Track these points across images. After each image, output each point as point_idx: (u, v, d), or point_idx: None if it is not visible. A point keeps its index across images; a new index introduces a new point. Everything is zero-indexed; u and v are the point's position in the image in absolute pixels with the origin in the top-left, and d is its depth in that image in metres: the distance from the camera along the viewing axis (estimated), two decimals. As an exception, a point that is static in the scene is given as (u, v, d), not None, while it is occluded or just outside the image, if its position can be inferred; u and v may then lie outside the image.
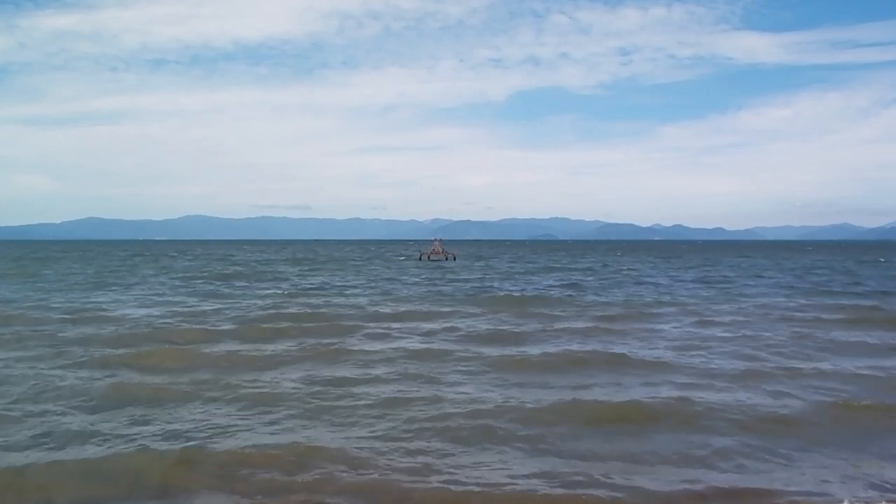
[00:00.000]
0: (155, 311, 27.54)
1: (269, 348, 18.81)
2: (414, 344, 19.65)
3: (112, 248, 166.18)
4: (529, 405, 12.59)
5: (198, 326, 22.99)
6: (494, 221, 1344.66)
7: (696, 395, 13.45)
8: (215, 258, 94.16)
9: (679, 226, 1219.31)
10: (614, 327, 23.31)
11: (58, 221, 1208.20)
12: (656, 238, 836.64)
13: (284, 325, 23.58)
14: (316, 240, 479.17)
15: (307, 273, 59.12)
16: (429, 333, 21.84)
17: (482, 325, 23.72)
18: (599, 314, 27.09)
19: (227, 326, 23.15)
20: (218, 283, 45.12)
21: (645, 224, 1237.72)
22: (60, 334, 20.92)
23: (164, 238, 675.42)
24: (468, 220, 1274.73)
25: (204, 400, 13.11)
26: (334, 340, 20.16)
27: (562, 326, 23.46)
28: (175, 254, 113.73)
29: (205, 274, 55.51)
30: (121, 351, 18.12)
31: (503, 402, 12.91)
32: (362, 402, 12.90)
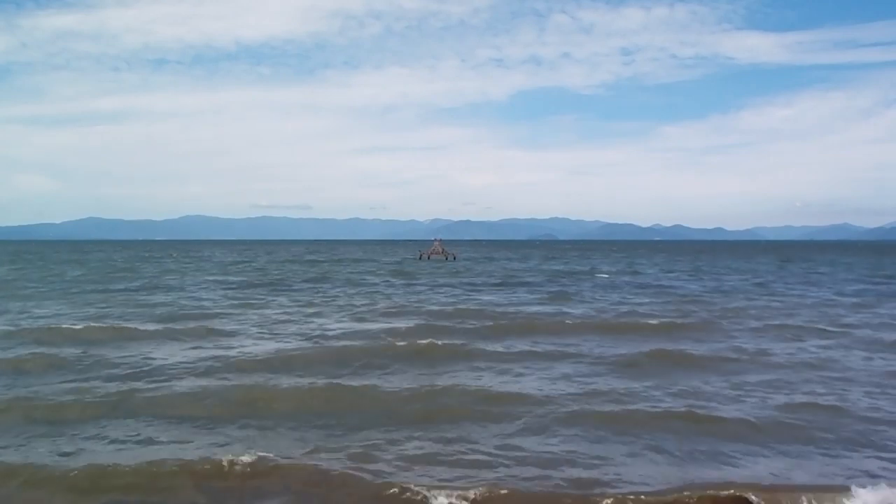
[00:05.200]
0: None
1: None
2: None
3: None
4: None
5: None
6: (495, 221, 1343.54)
7: None
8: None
9: (679, 226, 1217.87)
10: None
11: (58, 221, 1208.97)
12: (656, 238, 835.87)
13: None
14: (316, 240, 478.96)
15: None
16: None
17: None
18: None
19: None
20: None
21: (645, 224, 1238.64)
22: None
23: (164, 238, 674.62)
24: (468, 220, 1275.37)
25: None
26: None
27: None
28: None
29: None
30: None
31: None
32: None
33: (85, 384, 14.66)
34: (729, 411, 12.67)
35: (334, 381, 15.07)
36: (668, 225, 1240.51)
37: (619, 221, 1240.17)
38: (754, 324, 24.77)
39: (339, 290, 41.25)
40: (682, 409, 12.63)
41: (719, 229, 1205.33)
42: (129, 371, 16.18)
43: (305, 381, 15.04)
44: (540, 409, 12.73)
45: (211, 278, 51.59)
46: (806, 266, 76.27)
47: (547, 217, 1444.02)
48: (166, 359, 17.61)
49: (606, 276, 56.22)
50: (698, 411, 12.49)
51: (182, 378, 15.41)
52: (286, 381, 14.99)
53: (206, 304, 31.94)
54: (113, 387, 14.46)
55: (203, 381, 15.07)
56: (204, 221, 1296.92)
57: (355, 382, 14.97)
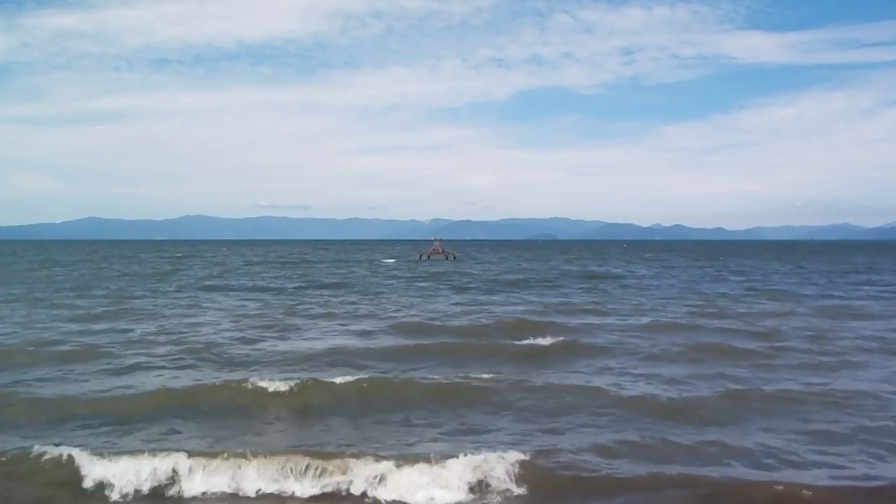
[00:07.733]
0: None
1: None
2: None
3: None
4: None
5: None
6: (495, 221, 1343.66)
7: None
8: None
9: (679, 226, 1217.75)
10: None
11: (58, 221, 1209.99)
12: (657, 238, 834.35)
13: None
14: (316, 240, 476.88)
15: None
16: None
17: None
18: None
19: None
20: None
21: (645, 224, 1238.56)
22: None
23: (164, 238, 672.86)
24: (469, 220, 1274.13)
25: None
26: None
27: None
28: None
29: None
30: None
31: None
32: None
33: None
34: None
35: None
36: (669, 225, 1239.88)
37: (620, 221, 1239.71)
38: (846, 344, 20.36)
39: (332, 292, 38.04)
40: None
41: (719, 229, 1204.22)
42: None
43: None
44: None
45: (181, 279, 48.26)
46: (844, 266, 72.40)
47: (547, 217, 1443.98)
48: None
49: (633, 278, 52.23)
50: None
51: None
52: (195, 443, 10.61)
53: (159, 307, 28.37)
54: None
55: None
56: (204, 221, 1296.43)
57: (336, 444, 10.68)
